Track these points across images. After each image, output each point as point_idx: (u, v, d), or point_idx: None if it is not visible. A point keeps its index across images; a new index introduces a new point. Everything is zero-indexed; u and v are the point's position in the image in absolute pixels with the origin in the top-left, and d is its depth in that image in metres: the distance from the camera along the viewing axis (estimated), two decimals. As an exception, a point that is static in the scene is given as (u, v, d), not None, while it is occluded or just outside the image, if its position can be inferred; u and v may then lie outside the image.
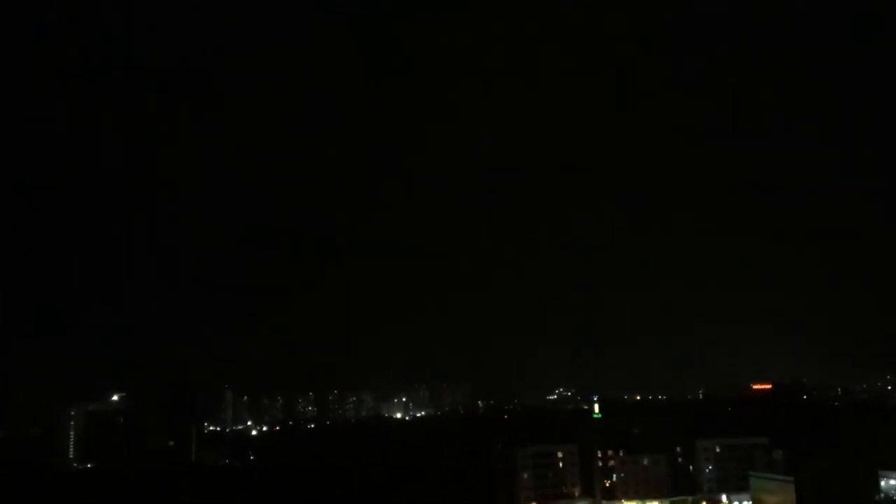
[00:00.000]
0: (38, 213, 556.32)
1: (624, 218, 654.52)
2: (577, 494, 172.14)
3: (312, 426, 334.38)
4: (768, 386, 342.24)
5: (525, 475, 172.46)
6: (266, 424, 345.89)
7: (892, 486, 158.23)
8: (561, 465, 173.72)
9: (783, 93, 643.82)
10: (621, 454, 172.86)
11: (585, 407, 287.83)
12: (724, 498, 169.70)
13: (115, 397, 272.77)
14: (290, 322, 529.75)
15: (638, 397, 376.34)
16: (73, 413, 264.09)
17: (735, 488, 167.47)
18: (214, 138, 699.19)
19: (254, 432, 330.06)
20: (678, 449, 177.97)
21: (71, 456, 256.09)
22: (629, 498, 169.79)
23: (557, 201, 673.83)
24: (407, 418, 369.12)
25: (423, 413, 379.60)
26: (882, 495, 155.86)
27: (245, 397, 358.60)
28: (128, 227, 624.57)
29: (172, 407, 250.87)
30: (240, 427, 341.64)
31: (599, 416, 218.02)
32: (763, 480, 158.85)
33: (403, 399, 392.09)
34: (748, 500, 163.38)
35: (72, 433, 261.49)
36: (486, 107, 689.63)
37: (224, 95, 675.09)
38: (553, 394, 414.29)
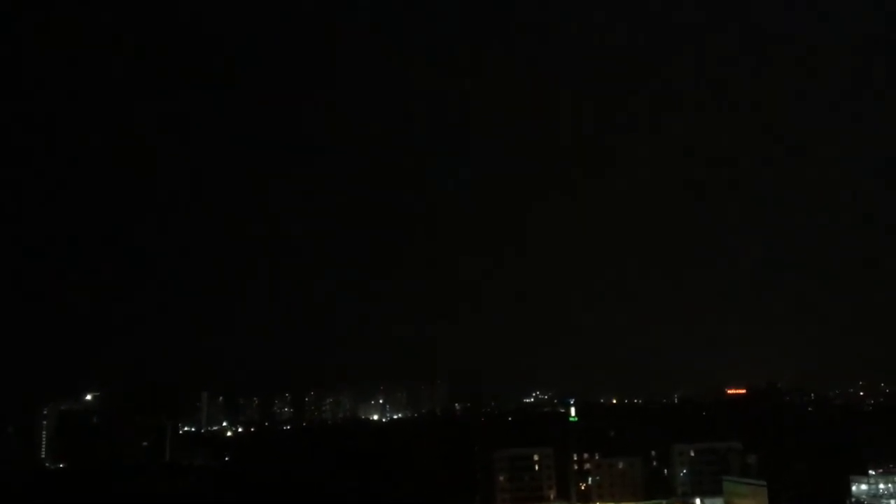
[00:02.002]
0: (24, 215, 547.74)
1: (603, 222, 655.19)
2: (552, 497, 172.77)
3: (288, 428, 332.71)
4: (743, 391, 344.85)
5: (501, 478, 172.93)
6: (241, 425, 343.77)
7: (863, 490, 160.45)
8: (537, 467, 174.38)
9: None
10: (597, 457, 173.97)
11: (562, 410, 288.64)
12: (697, 501, 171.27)
13: (88, 396, 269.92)
14: (271, 324, 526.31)
15: (615, 401, 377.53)
16: (45, 412, 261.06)
17: (709, 492, 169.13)
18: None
19: (229, 433, 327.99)
20: (653, 452, 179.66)
21: (43, 455, 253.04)
22: (604, 501, 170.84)
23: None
24: (384, 420, 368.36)
25: (400, 415, 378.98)
26: (853, 500, 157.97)
27: (221, 398, 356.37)
28: (111, 227, 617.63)
29: (147, 407, 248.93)
30: (215, 428, 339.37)
31: (576, 418, 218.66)
32: (736, 484, 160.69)
33: (381, 401, 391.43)
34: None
35: (44, 433, 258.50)
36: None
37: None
38: (530, 396, 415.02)
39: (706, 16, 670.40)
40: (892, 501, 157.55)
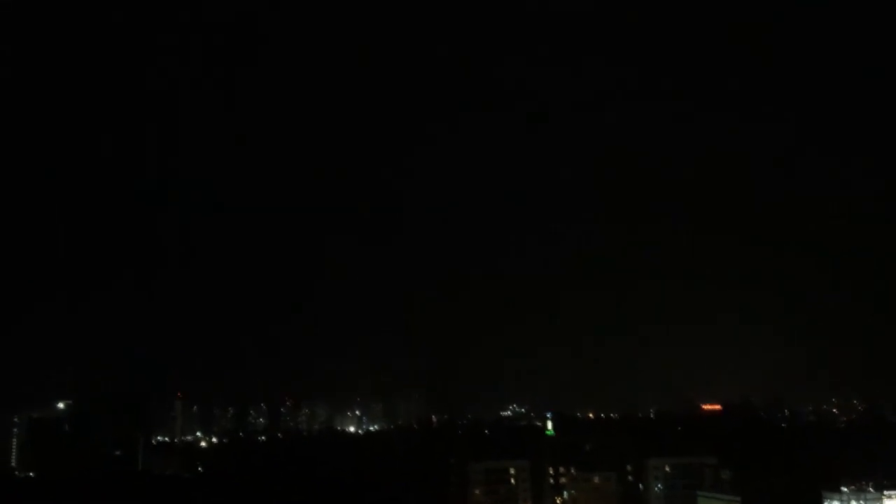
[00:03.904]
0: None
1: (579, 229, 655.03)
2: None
3: (263, 438, 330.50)
4: (718, 406, 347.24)
5: (477, 491, 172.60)
6: (216, 436, 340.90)
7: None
8: (513, 481, 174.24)
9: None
10: (573, 471, 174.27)
11: (539, 423, 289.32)
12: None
13: (60, 405, 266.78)
14: (247, 332, 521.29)
15: (591, 415, 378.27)
16: (16, 420, 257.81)
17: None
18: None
19: (203, 443, 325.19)
20: (629, 467, 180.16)
21: (13, 464, 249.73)
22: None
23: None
24: (360, 432, 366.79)
25: (376, 427, 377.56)
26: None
27: (195, 407, 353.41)
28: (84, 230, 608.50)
29: (120, 416, 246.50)
30: (189, 438, 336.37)
31: (552, 432, 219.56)
32: (710, 499, 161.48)
33: (357, 412, 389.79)
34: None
35: (14, 440, 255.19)
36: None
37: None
38: (507, 409, 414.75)
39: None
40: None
